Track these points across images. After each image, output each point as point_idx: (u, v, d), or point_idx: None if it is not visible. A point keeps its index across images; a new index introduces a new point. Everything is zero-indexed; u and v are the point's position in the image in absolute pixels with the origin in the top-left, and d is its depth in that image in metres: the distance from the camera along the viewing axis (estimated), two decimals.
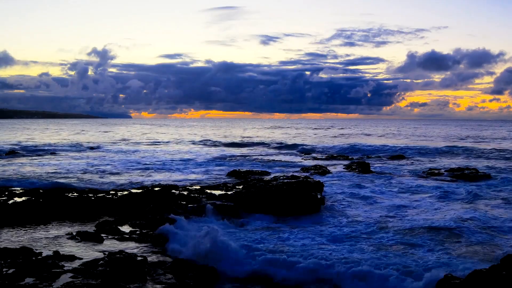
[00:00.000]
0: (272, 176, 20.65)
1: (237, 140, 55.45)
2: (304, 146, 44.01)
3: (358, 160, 29.90)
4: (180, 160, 29.91)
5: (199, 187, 16.83)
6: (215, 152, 38.61)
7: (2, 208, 12.02)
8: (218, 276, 8.19)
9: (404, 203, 15.38)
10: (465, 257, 9.25)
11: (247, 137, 63.36)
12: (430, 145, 43.56)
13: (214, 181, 20.08)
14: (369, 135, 70.79)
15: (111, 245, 9.52)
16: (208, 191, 15.32)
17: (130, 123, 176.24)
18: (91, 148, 40.51)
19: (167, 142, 51.69)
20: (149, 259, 8.44)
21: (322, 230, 11.57)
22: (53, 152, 35.48)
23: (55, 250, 8.60)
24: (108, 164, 27.09)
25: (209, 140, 54.87)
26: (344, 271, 8.22)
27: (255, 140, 55.20)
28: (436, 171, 23.67)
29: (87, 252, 8.81)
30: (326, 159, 32.25)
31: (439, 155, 35.18)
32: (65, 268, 7.61)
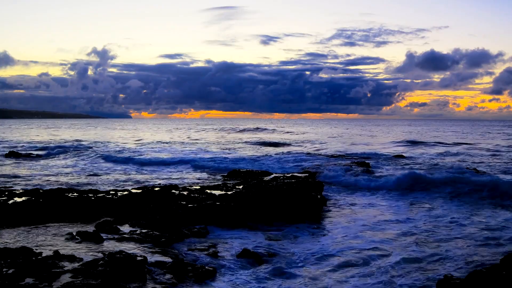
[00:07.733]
0: (272, 176, 20.63)
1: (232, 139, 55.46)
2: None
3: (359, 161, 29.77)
4: (180, 160, 29.90)
5: (199, 187, 16.82)
6: (214, 152, 38.58)
7: (2, 208, 12.01)
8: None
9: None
10: None
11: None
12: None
13: (214, 181, 20.08)
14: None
15: (111, 245, 9.51)
16: (208, 191, 15.31)
17: (130, 123, 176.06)
18: (91, 148, 40.51)
19: (167, 142, 51.69)
20: (149, 259, 8.43)
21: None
22: (52, 153, 35.48)
23: (55, 250, 8.58)
24: (107, 164, 27.09)
25: (208, 141, 54.86)
26: None
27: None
28: None
29: (87, 252, 8.80)
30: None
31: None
32: (65, 268, 7.60)
